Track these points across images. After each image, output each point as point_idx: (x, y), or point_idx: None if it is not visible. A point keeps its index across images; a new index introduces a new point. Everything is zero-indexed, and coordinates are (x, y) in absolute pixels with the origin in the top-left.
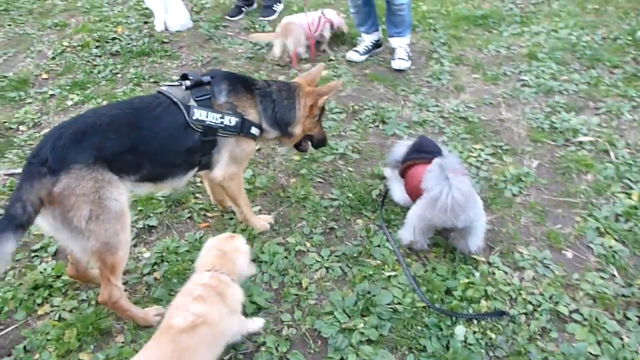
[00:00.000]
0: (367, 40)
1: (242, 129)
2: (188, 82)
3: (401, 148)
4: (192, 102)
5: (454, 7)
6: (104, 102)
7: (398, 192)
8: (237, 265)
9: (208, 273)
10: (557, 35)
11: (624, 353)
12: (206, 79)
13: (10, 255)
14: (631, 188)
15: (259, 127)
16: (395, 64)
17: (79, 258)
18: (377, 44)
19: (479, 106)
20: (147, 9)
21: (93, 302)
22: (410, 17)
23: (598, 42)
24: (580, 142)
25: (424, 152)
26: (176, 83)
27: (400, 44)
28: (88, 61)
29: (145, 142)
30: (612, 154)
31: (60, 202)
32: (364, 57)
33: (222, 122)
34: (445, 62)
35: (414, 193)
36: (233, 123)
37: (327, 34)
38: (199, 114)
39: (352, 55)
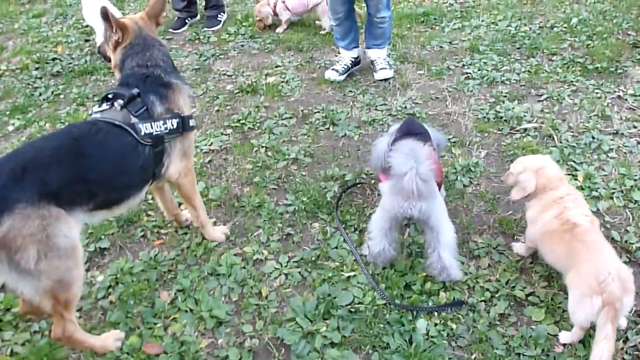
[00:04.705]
0: (346, 57)
1: (184, 127)
2: (121, 101)
3: (382, 145)
4: (133, 119)
5: (396, 7)
6: (47, 125)
7: None
8: None
9: None
10: (497, 27)
11: None
12: (135, 91)
13: None
14: (576, 170)
15: (191, 115)
16: (379, 75)
17: (31, 298)
18: (356, 62)
19: (425, 101)
20: (87, 26)
21: (46, 333)
22: (391, 30)
23: (536, 31)
24: (525, 129)
25: (413, 134)
26: (105, 106)
27: (380, 55)
28: (28, 84)
29: (95, 169)
30: (555, 138)
31: (5, 245)
32: (343, 77)
33: (166, 128)
34: (390, 60)
35: None
36: (175, 125)
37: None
38: (145, 127)
39: (330, 74)
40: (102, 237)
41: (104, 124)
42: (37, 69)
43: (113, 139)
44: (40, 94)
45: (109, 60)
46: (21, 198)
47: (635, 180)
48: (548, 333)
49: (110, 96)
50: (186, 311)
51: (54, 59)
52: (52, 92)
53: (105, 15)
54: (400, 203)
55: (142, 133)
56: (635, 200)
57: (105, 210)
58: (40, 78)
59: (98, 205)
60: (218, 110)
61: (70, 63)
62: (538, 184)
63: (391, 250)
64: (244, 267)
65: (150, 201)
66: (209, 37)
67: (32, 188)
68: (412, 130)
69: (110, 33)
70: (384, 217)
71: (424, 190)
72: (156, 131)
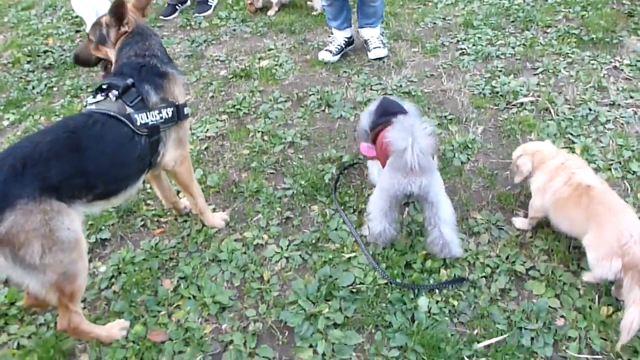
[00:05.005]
0: (339, 38)
1: (178, 116)
2: (116, 92)
3: (366, 117)
4: (129, 110)
5: None
6: (42, 118)
7: (376, 172)
8: None
9: None
10: (490, 0)
11: (582, 302)
12: (130, 81)
13: None
14: (574, 142)
15: (185, 103)
16: (373, 54)
17: (37, 292)
18: (349, 42)
19: (420, 79)
20: (77, 17)
21: (52, 325)
22: (383, 8)
23: (530, 3)
24: (522, 104)
25: (391, 113)
26: (100, 97)
27: (373, 34)
28: (21, 77)
29: (93, 162)
30: (552, 111)
31: (8, 241)
32: (337, 58)
33: (161, 117)
34: (384, 39)
35: (386, 158)
36: (170, 114)
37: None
38: (140, 117)
39: (324, 55)
40: (103, 228)
41: (100, 115)
42: (29, 62)
43: (110, 130)
44: (33, 88)
45: (95, 64)
46: (22, 194)
47: (632, 151)
48: (549, 306)
49: (104, 87)
50: (189, 298)
51: (45, 52)
52: (46, 85)
53: (121, 6)
54: (400, 180)
55: (138, 123)
56: (634, 171)
57: (104, 200)
58: (33, 71)
59: (97, 196)
60: (212, 97)
61: (62, 55)
62: (535, 161)
63: (391, 230)
64: (244, 252)
65: (149, 190)
66: (200, 23)
67: (32, 183)
68: (389, 109)
69: (115, 27)
70: (383, 197)
71: (424, 164)
72: (152, 121)
